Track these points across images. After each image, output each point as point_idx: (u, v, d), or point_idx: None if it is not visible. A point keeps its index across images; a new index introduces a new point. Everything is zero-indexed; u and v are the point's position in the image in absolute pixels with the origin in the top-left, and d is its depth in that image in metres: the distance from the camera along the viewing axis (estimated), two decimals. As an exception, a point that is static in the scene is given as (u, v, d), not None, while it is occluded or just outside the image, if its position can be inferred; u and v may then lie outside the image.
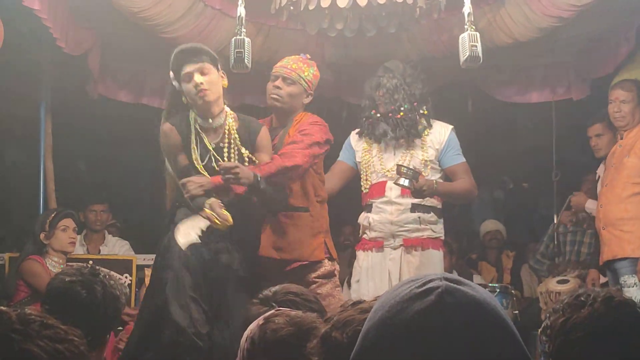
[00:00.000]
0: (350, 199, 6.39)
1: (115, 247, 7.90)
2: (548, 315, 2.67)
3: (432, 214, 6.05)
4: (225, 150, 5.21)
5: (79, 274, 3.51)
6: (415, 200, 5.96)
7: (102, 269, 3.65)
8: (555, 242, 7.93)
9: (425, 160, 6.04)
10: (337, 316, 2.34)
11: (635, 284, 6.11)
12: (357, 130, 6.29)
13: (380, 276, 6.00)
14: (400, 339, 1.40)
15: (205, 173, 5.12)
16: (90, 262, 6.02)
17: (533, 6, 6.27)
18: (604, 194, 6.39)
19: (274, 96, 5.47)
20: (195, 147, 5.19)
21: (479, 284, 1.97)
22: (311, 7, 5.69)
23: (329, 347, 2.29)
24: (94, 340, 3.27)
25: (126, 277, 6.87)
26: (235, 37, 5.60)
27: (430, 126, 6.09)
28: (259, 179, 5.02)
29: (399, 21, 6.08)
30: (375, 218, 6.06)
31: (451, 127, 6.15)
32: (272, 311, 2.90)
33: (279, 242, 5.38)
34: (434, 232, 6.07)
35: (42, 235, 6.60)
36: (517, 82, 7.67)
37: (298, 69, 5.51)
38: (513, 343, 1.44)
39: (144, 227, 9.03)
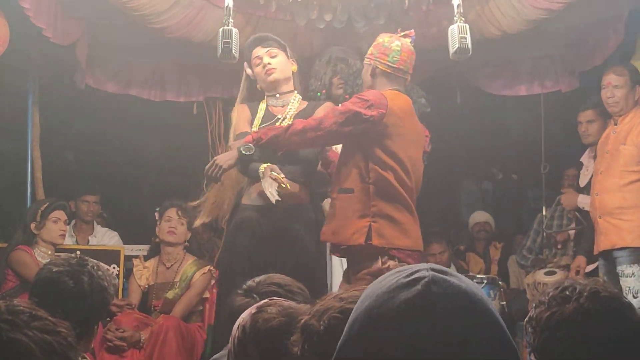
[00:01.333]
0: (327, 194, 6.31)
1: (105, 237, 7.89)
2: (534, 306, 2.66)
3: None
4: (286, 121, 5.42)
5: (67, 265, 3.51)
6: None
7: (91, 259, 3.65)
8: (544, 236, 7.95)
9: None
10: (316, 306, 2.34)
11: (633, 273, 6.09)
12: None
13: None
14: (386, 328, 1.40)
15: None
16: (78, 252, 6.01)
17: (522, -2, 6.28)
18: (599, 181, 6.34)
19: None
20: (259, 118, 5.47)
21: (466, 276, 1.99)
22: (300, -2, 5.69)
23: (307, 336, 2.30)
24: (81, 330, 3.27)
25: (114, 268, 6.85)
26: (223, 28, 5.59)
27: None
28: (242, 151, 5.14)
29: (388, 13, 6.09)
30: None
31: None
32: (266, 300, 2.90)
33: (331, 225, 5.21)
34: None
35: (32, 226, 6.59)
36: (506, 74, 7.68)
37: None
38: (499, 333, 1.44)
39: (132, 218, 9.02)
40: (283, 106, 5.51)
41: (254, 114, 5.50)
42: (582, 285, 2.59)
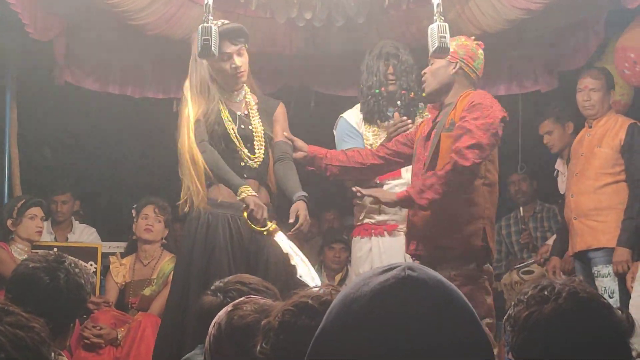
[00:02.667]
0: (305, 192, 6.22)
1: (83, 234, 7.86)
2: (513, 304, 2.65)
3: None
4: (251, 119, 5.46)
5: (44, 261, 3.50)
6: None
7: (69, 257, 3.64)
8: (519, 237, 8.01)
9: None
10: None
11: (609, 274, 6.15)
12: (350, 113, 6.10)
13: (395, 260, 5.61)
14: (361, 312, 1.41)
15: (240, 141, 5.35)
16: (55, 249, 6.00)
17: (502, -3, 6.29)
18: (575, 183, 6.40)
19: (423, 82, 5.42)
20: (227, 117, 5.39)
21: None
22: (280, -4, 5.68)
23: (264, 333, 2.31)
24: (57, 327, 3.27)
25: (91, 265, 6.83)
26: (202, 25, 5.57)
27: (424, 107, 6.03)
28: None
29: (368, 11, 6.08)
30: None
31: None
32: (242, 298, 2.91)
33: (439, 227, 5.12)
34: None
35: (9, 222, 6.58)
36: (485, 74, 7.66)
37: None
38: (472, 322, 1.45)
39: (109, 215, 8.99)
40: (239, 102, 5.50)
41: (212, 112, 5.39)
42: (560, 285, 2.59)
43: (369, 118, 5.97)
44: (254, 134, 5.44)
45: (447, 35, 5.53)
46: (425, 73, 5.38)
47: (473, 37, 5.44)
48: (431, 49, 5.57)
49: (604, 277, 6.17)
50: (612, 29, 6.81)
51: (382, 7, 6.04)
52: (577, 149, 6.51)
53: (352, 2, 5.95)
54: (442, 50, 5.52)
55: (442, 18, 5.60)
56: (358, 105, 6.10)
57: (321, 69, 7.35)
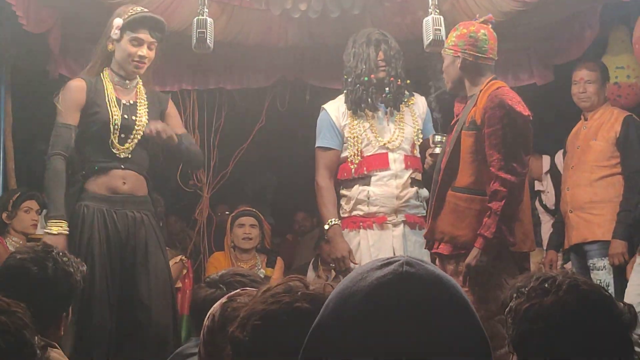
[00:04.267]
0: (301, 186, 6.20)
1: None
2: (515, 296, 2.64)
3: (424, 188, 5.91)
4: (138, 109, 5.41)
5: (32, 252, 3.51)
6: (412, 174, 5.85)
7: (56, 247, 3.65)
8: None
9: (418, 130, 5.95)
10: (243, 310, 2.30)
11: (604, 267, 6.15)
12: (332, 105, 6.03)
13: (385, 254, 5.32)
14: (358, 307, 1.40)
15: (117, 129, 5.32)
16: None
17: (496, -11, 6.28)
18: (570, 176, 6.40)
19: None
20: (113, 104, 5.36)
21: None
22: (275, -12, 5.67)
23: (235, 349, 2.26)
24: (49, 317, 3.28)
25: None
26: (197, 17, 5.57)
27: (412, 95, 6.02)
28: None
29: (363, 3, 6.07)
30: (377, 192, 5.80)
31: (424, 97, 6.08)
32: (237, 290, 2.90)
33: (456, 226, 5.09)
34: (424, 209, 5.88)
35: (4, 215, 6.58)
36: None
37: (446, 43, 5.36)
38: (469, 319, 1.44)
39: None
40: (129, 90, 5.47)
41: (93, 92, 5.37)
42: (561, 277, 2.58)
43: (356, 108, 5.87)
44: (135, 124, 5.39)
45: (442, 28, 5.55)
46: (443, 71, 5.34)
47: (477, 18, 5.33)
48: (426, 42, 5.58)
49: (599, 270, 6.18)
50: (607, 22, 6.80)
51: (377, -1, 6.04)
52: (573, 141, 6.51)
53: (347, -7, 5.94)
54: (437, 43, 5.55)
55: (437, 10, 5.63)
56: (341, 97, 6.01)
57: (316, 61, 7.34)
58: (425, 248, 5.38)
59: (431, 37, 5.56)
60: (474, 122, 5.03)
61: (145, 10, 5.40)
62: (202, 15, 5.56)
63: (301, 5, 5.99)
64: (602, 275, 6.15)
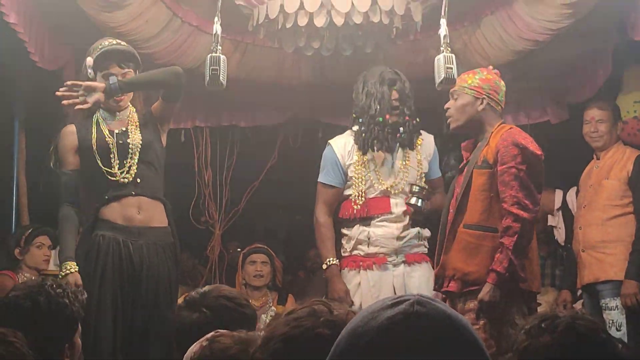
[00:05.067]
0: (313, 223, 6.14)
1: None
2: (521, 332, 2.66)
3: (426, 229, 5.93)
4: (130, 133, 5.39)
5: (24, 288, 3.53)
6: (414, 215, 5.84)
7: (52, 279, 3.66)
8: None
9: (422, 173, 5.92)
10: (265, 331, 2.29)
11: (617, 306, 6.12)
12: (338, 140, 6.02)
13: (386, 294, 5.43)
14: (369, 346, 1.40)
15: (115, 157, 5.30)
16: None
17: (508, 29, 6.30)
18: (583, 215, 6.37)
19: (448, 117, 5.43)
20: (107, 134, 5.38)
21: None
22: (288, 26, 5.68)
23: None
24: (51, 348, 3.28)
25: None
26: (210, 55, 5.59)
27: (420, 134, 5.97)
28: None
29: (376, 41, 6.08)
30: (378, 232, 5.77)
31: (432, 136, 6.10)
32: (212, 333, 2.81)
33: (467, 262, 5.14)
34: (425, 247, 5.93)
35: (16, 251, 6.59)
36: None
37: (461, 81, 5.43)
38: (481, 358, 1.43)
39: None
40: (120, 120, 5.45)
41: (83, 135, 5.38)
42: (560, 319, 2.58)
43: (368, 148, 5.83)
44: (129, 146, 5.35)
45: (454, 66, 5.56)
46: (448, 108, 5.39)
47: (491, 67, 5.49)
48: (437, 80, 5.59)
49: (611, 310, 6.14)
50: (620, 60, 6.81)
51: (389, 37, 6.05)
52: (585, 180, 6.49)
53: (359, 31, 5.95)
54: (449, 82, 5.55)
55: (449, 49, 5.64)
56: (348, 133, 5.99)
57: (329, 99, 7.35)
58: (434, 288, 5.38)
59: (443, 76, 5.56)
60: (486, 160, 5.12)
61: (113, 42, 5.41)
62: (215, 53, 5.58)
63: (314, 43, 6.00)
64: (614, 315, 6.11)
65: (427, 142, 6.01)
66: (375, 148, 5.82)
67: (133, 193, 5.29)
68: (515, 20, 6.25)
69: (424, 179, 5.90)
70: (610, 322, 6.06)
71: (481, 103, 5.28)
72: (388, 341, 1.38)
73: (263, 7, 5.72)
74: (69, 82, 5.32)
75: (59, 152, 5.40)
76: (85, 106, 5.26)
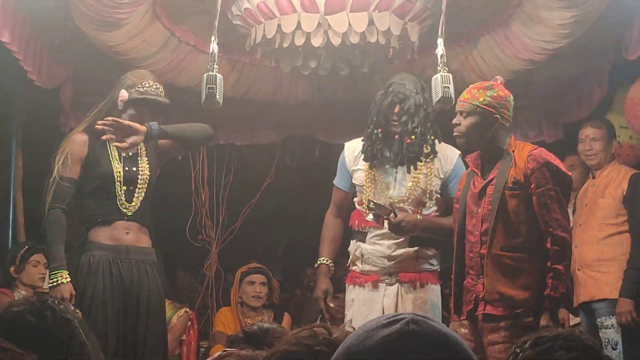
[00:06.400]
0: (311, 241, 6.13)
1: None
2: (511, 352, 2.63)
3: (432, 247, 5.73)
4: (139, 160, 5.46)
5: (27, 303, 3.49)
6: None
7: (51, 297, 3.66)
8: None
9: (430, 191, 5.66)
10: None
11: (612, 325, 6.11)
12: (351, 144, 5.86)
13: (375, 314, 5.24)
14: None
15: (121, 185, 5.34)
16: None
17: (505, 49, 6.32)
18: (579, 234, 6.35)
19: (455, 133, 5.16)
20: (115, 158, 5.40)
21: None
22: (285, 45, 5.69)
23: None
24: None
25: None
26: (207, 73, 5.61)
27: (435, 152, 5.66)
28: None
29: (373, 61, 6.10)
30: (369, 250, 5.64)
31: (459, 152, 5.70)
32: (219, 352, 2.83)
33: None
34: (432, 265, 5.72)
35: (12, 269, 6.58)
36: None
37: (471, 98, 5.09)
38: None
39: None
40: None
41: (93, 146, 5.40)
42: (555, 338, 2.56)
43: (365, 158, 5.68)
44: (138, 176, 5.41)
45: (451, 86, 5.56)
46: (457, 124, 5.13)
47: (498, 77, 5.31)
48: (434, 99, 5.59)
49: (607, 328, 6.13)
50: (616, 81, 6.83)
51: (386, 57, 6.06)
52: (581, 199, 6.49)
53: (356, 51, 5.97)
54: (446, 101, 5.55)
55: (446, 68, 5.65)
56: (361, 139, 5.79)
57: (326, 118, 7.37)
58: (469, 310, 5.12)
59: (440, 95, 5.56)
60: (517, 182, 4.97)
61: (153, 87, 5.43)
62: (212, 72, 5.59)
63: (311, 62, 6.02)
64: (610, 334, 6.10)
65: (443, 158, 5.71)
66: (372, 160, 5.65)
67: (126, 218, 5.36)
68: (512, 41, 6.27)
69: (433, 197, 5.67)
70: (607, 340, 6.05)
71: (493, 124, 5.05)
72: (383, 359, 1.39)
73: (260, 26, 5.74)
74: (109, 118, 5.29)
75: (64, 157, 5.38)
76: (122, 146, 5.29)
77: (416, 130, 5.55)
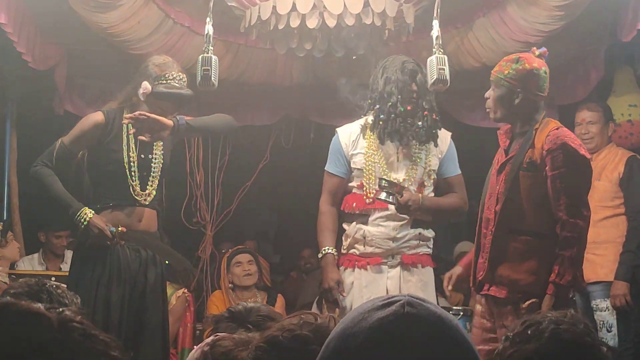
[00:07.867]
0: (306, 223, 6.12)
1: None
2: (503, 339, 2.61)
3: (430, 229, 5.71)
4: (154, 147, 5.42)
5: (25, 286, 3.51)
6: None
7: (50, 280, 3.67)
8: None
9: (430, 170, 5.65)
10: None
11: (607, 307, 6.12)
12: (345, 129, 5.76)
13: (377, 296, 5.24)
14: (359, 347, 1.40)
15: (135, 172, 5.31)
16: (53, 278, 5.97)
17: (501, 31, 6.32)
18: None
19: (487, 109, 5.06)
20: (131, 145, 5.34)
21: (443, 307, 1.98)
22: (280, 27, 5.68)
23: None
24: None
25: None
26: (202, 55, 5.59)
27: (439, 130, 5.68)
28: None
29: (368, 43, 6.08)
30: (373, 232, 5.56)
31: (450, 134, 5.79)
32: (212, 337, 2.82)
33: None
34: (429, 247, 5.72)
35: None
36: (485, 106, 7.68)
37: (498, 70, 4.95)
38: (471, 358, 1.44)
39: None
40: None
41: (110, 128, 5.33)
42: (545, 324, 2.54)
43: (390, 137, 5.56)
44: (152, 164, 5.39)
45: (446, 68, 5.56)
46: (487, 98, 5.02)
47: (535, 49, 5.03)
48: (430, 81, 5.58)
49: (602, 311, 6.14)
50: (611, 62, 6.83)
51: (381, 39, 6.04)
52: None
53: (352, 33, 5.95)
54: (441, 82, 5.55)
55: (441, 51, 5.64)
56: (358, 122, 5.72)
57: (321, 100, 7.36)
58: (472, 288, 5.13)
59: (435, 77, 5.55)
60: (532, 163, 4.81)
61: (177, 78, 5.32)
62: (207, 53, 5.58)
63: (306, 44, 6.00)
64: (605, 316, 6.12)
65: (441, 138, 5.71)
66: (393, 139, 5.57)
67: (137, 204, 5.33)
68: (507, 22, 6.27)
69: (432, 176, 5.67)
70: (602, 323, 6.07)
71: (517, 97, 4.85)
72: (379, 342, 1.39)
73: (255, 8, 5.72)
74: (137, 113, 5.17)
75: (76, 129, 5.34)
76: (148, 140, 5.21)
77: (435, 106, 5.58)
